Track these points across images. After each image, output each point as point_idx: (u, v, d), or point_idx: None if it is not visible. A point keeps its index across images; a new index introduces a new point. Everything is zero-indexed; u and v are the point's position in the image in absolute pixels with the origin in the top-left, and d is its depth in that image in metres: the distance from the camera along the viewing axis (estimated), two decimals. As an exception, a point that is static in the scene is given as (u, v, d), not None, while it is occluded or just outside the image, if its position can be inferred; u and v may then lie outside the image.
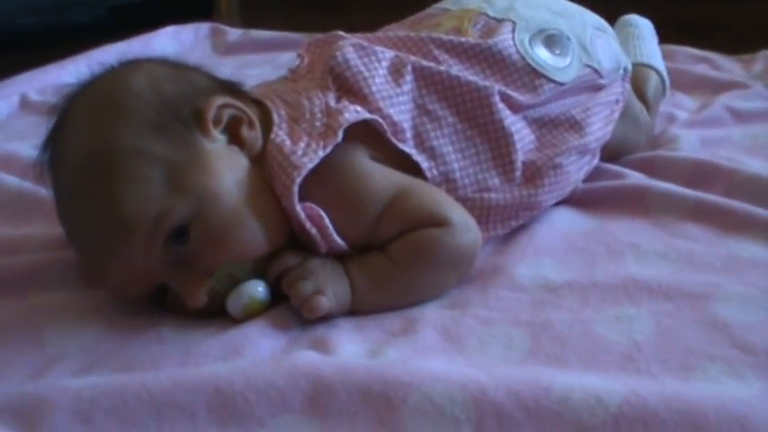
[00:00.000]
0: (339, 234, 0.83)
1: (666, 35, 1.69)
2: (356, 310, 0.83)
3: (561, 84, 0.99)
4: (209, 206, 0.79)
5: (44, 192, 0.90)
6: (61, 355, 0.78)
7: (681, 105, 1.38)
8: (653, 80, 1.26)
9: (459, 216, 0.86)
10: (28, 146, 1.22)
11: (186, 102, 0.84)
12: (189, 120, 0.83)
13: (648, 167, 1.10)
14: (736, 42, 1.80)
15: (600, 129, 1.02)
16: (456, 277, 0.86)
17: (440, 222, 0.84)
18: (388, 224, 0.84)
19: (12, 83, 1.66)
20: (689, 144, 1.18)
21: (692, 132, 1.23)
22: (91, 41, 1.83)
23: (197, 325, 0.81)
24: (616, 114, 1.05)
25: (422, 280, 0.85)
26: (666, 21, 2.13)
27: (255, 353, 0.75)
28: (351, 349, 0.76)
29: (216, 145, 0.83)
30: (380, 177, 0.86)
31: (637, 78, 1.22)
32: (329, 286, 0.81)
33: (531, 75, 0.98)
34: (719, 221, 0.95)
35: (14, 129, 1.45)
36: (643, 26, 1.36)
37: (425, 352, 0.76)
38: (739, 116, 1.30)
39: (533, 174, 0.95)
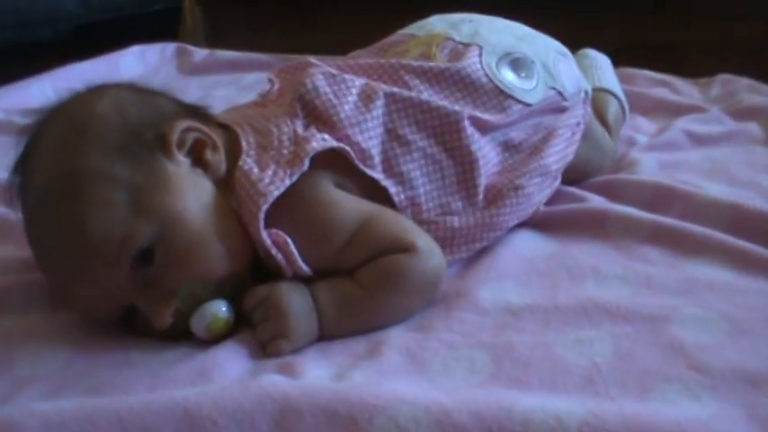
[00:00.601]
0: (305, 260, 0.84)
1: (625, 57, 1.73)
2: (324, 336, 0.84)
3: (528, 105, 1.01)
4: (172, 227, 0.81)
5: (13, 215, 0.90)
6: (30, 379, 0.78)
7: (640, 128, 1.40)
8: (613, 105, 1.29)
9: (425, 242, 0.87)
10: (-5, 165, 1.22)
11: (150, 125, 0.85)
12: (153, 143, 0.84)
13: (609, 191, 1.12)
14: (692, 65, 1.83)
15: (560, 151, 1.04)
16: (422, 302, 0.88)
17: (406, 248, 0.86)
18: (354, 251, 0.86)
19: (-25, 101, 1.65)
20: (648, 168, 1.20)
21: (651, 156, 1.25)
22: (54, 59, 1.82)
23: (165, 348, 0.82)
24: (577, 136, 1.07)
25: (390, 305, 0.86)
26: (625, 43, 2.18)
27: (223, 377, 0.76)
28: (317, 373, 0.77)
29: (179, 168, 0.85)
30: (346, 206, 0.87)
31: (597, 103, 1.24)
32: (293, 325, 0.82)
33: (499, 96, 1.00)
34: (677, 244, 0.96)
35: (-21, 149, 1.44)
36: (600, 58, 1.39)
37: (390, 375, 0.77)
38: (697, 140, 1.32)
39: (495, 196, 0.96)
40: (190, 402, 0.68)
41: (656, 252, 0.96)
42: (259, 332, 0.83)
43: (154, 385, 0.75)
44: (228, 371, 0.77)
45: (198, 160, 0.87)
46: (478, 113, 0.97)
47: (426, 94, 0.97)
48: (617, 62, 1.66)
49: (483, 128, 0.97)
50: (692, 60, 1.97)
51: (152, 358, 0.80)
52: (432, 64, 1.00)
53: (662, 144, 1.30)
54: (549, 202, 1.08)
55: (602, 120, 1.23)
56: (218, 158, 0.88)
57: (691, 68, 1.74)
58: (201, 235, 0.82)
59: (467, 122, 0.95)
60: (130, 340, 0.83)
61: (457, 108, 0.96)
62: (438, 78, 0.99)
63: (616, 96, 1.30)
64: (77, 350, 0.82)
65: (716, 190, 1.10)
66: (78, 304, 0.84)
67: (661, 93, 1.59)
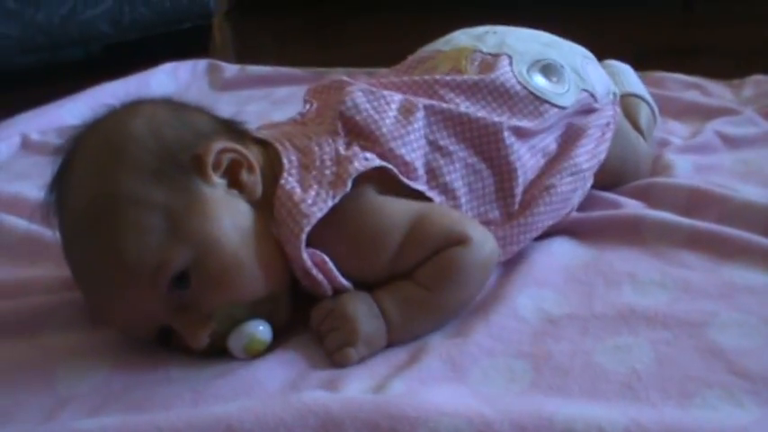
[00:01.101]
0: (354, 273, 0.85)
1: (653, 60, 1.72)
2: (393, 342, 0.85)
3: (564, 108, 1.02)
4: (208, 251, 0.81)
5: (51, 233, 0.91)
6: (72, 397, 0.79)
7: (672, 132, 1.39)
8: (644, 109, 1.28)
9: (476, 230, 0.88)
10: (31, 186, 1.24)
11: (186, 147, 0.85)
12: (188, 165, 0.84)
13: (644, 195, 1.12)
14: (723, 66, 1.82)
15: (590, 150, 1.04)
16: (478, 291, 0.89)
17: (460, 240, 0.86)
18: (409, 254, 0.86)
19: (12, 123, 1.66)
20: (683, 171, 1.19)
21: (685, 159, 1.24)
22: (86, 78, 1.84)
23: (205, 364, 0.82)
24: (608, 136, 1.07)
25: (454, 300, 0.87)
26: (653, 46, 2.16)
27: (264, 392, 0.77)
28: (357, 385, 0.77)
29: (215, 190, 0.84)
30: (392, 210, 0.88)
31: (628, 108, 1.24)
32: (360, 333, 0.82)
33: (534, 102, 1.00)
34: (715, 249, 0.96)
35: (16, 170, 1.45)
36: (622, 66, 1.38)
37: (430, 382, 0.77)
38: (730, 142, 1.31)
39: (528, 200, 0.97)
40: (232, 418, 0.69)
41: (694, 257, 0.96)
42: (327, 342, 0.83)
43: (195, 401, 0.76)
44: (269, 386, 0.78)
45: (233, 181, 0.86)
46: (516, 122, 0.97)
47: (464, 106, 0.97)
48: (645, 65, 1.66)
49: (523, 136, 0.98)
50: (721, 62, 1.95)
51: (192, 374, 0.81)
52: (465, 77, 1.00)
53: (696, 147, 1.29)
54: (584, 208, 1.07)
55: (635, 124, 1.23)
56: (253, 179, 0.87)
57: (721, 70, 1.72)
58: (237, 258, 0.82)
59: (506, 133, 0.96)
60: (170, 356, 0.84)
61: (496, 119, 0.96)
62: (473, 90, 0.99)
63: (645, 100, 1.29)
64: (118, 367, 0.83)
65: (751, 192, 1.09)
66: (114, 324, 0.85)
67: (692, 95, 1.58)
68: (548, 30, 1.16)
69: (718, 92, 1.62)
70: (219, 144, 0.86)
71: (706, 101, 1.54)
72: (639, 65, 1.46)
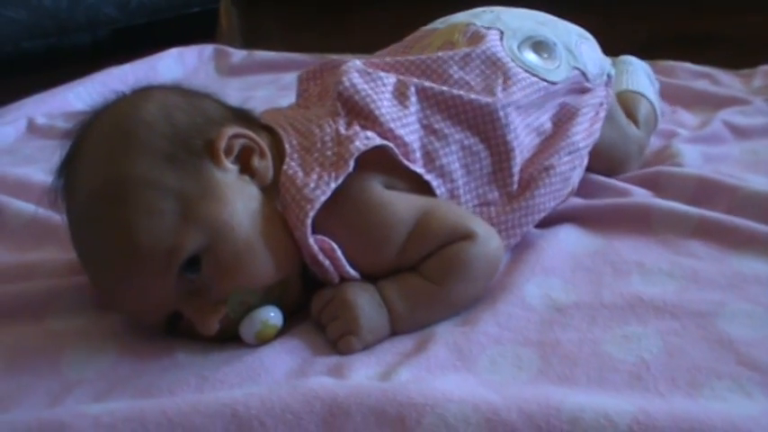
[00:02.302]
0: (359, 264, 0.85)
1: (663, 49, 1.71)
2: (397, 331, 0.85)
3: (553, 83, 1.02)
4: (221, 236, 0.80)
5: (57, 217, 0.90)
6: (79, 381, 0.79)
7: (681, 122, 1.39)
8: (643, 104, 1.28)
9: (481, 226, 0.88)
10: (38, 170, 1.25)
11: (198, 132, 0.85)
12: (201, 150, 0.84)
13: (653, 183, 1.12)
14: (734, 55, 1.81)
15: (586, 129, 1.04)
16: (486, 285, 0.89)
17: (465, 235, 0.86)
18: (414, 248, 0.86)
19: (18, 107, 1.67)
20: (692, 160, 1.19)
21: (694, 148, 1.24)
22: (93, 63, 1.84)
23: (212, 350, 0.82)
24: (601, 115, 1.07)
25: (459, 293, 0.87)
26: (664, 34, 2.15)
27: (270, 378, 0.77)
28: (364, 372, 0.77)
29: (227, 175, 0.84)
30: (399, 206, 0.87)
31: (626, 101, 1.25)
32: (361, 321, 0.82)
33: (523, 74, 1.00)
34: (723, 239, 0.95)
35: (23, 153, 1.46)
36: (637, 65, 1.38)
37: (437, 370, 0.77)
38: (740, 132, 1.31)
39: (527, 181, 0.97)
40: (238, 403, 0.68)
41: (702, 246, 0.95)
42: (329, 331, 0.83)
43: (201, 386, 0.76)
44: (275, 372, 0.78)
45: (245, 167, 0.86)
46: (508, 96, 0.97)
47: (457, 76, 0.97)
48: (655, 54, 1.66)
49: (517, 110, 0.98)
50: (732, 52, 1.95)
51: (199, 359, 0.81)
52: (456, 50, 1.01)
53: (705, 137, 1.29)
54: (591, 196, 1.07)
55: (630, 112, 1.23)
56: (265, 165, 0.87)
57: (731, 60, 1.71)
58: (249, 244, 0.82)
59: (501, 113, 0.95)
60: (177, 341, 0.84)
61: (489, 100, 0.95)
62: (465, 60, 1.00)
63: (647, 99, 1.29)
64: (125, 352, 0.83)
65: (760, 182, 1.08)
66: (123, 309, 0.85)
67: (702, 85, 1.58)
68: (562, 14, 1.16)
69: (727, 81, 1.62)
70: (232, 130, 0.86)
71: (716, 90, 1.54)
72: (649, 53, 1.46)
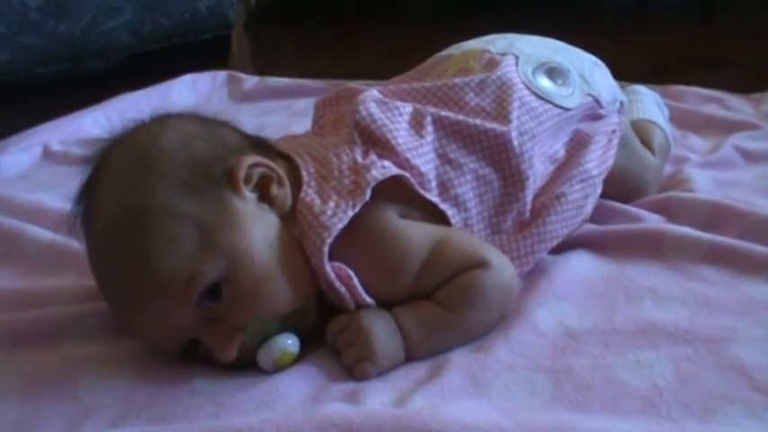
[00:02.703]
0: (375, 292, 0.85)
1: (673, 73, 1.72)
2: (412, 358, 0.85)
3: (567, 109, 1.02)
4: (240, 265, 0.81)
5: (74, 243, 0.91)
6: (95, 407, 0.80)
7: (692, 147, 1.39)
8: (657, 132, 1.28)
9: (495, 255, 0.89)
10: (54, 196, 1.26)
11: (217, 160, 0.85)
12: (220, 179, 0.84)
13: (665, 209, 1.11)
14: (743, 80, 1.81)
15: (599, 156, 1.04)
16: (499, 313, 0.89)
17: (480, 263, 0.87)
18: (429, 276, 0.87)
19: (33, 133, 1.68)
20: (703, 185, 1.19)
21: (705, 173, 1.24)
22: (107, 89, 1.86)
23: (228, 376, 0.82)
24: (614, 142, 1.07)
25: (473, 321, 0.87)
26: (674, 58, 2.16)
27: (286, 404, 0.77)
28: (379, 398, 0.78)
29: (246, 203, 0.85)
30: (414, 235, 0.88)
31: (641, 129, 1.25)
32: (376, 347, 0.83)
33: (537, 101, 1.01)
34: (735, 264, 0.95)
35: (38, 179, 1.47)
36: (646, 94, 1.38)
37: (451, 397, 0.77)
38: (750, 157, 1.31)
39: (539, 209, 0.97)
40: (254, 430, 0.69)
41: (714, 272, 0.95)
42: (344, 357, 0.84)
43: (217, 413, 0.76)
44: (291, 398, 0.78)
45: (264, 195, 0.87)
46: (521, 124, 0.97)
47: (473, 103, 0.98)
48: (664, 78, 1.66)
49: (531, 139, 0.98)
50: (741, 76, 1.95)
51: (215, 386, 0.81)
52: (471, 77, 1.01)
53: (715, 162, 1.29)
54: (604, 221, 1.08)
55: (646, 141, 1.23)
56: (283, 193, 0.88)
57: (740, 84, 1.72)
58: (268, 272, 0.82)
59: (515, 142, 0.96)
60: (194, 367, 0.84)
61: (504, 129, 0.96)
62: (481, 87, 1.00)
63: (660, 128, 1.30)
64: (141, 378, 0.84)
65: (771, 207, 1.08)
66: (141, 336, 0.85)
67: (712, 109, 1.58)
68: (572, 39, 1.17)
69: (737, 106, 1.61)
70: (251, 158, 0.87)
71: (726, 115, 1.54)
72: (658, 78, 1.46)
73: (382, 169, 0.88)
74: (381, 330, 0.84)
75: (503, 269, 0.88)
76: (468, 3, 3.23)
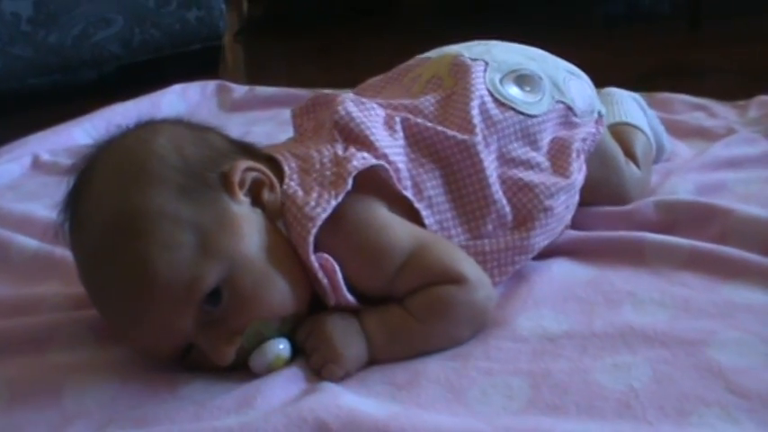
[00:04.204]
0: (354, 286, 0.85)
1: (660, 80, 1.72)
2: (375, 360, 0.85)
3: (532, 116, 1.03)
4: (241, 268, 0.81)
5: (60, 251, 0.91)
6: (79, 413, 0.80)
7: (676, 153, 1.40)
8: (640, 137, 1.27)
9: (474, 273, 0.88)
10: (41, 206, 1.26)
11: (210, 165, 0.86)
12: (216, 183, 0.85)
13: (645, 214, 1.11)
14: (729, 87, 1.82)
15: (580, 167, 1.05)
16: (471, 330, 0.88)
17: (456, 279, 0.87)
18: (405, 278, 0.87)
19: (23, 143, 1.69)
20: (685, 191, 1.19)
21: (686, 179, 1.24)
22: (97, 99, 1.86)
23: (212, 379, 0.83)
24: (585, 148, 1.07)
25: (439, 334, 0.87)
26: (661, 66, 2.17)
27: (267, 404, 0.77)
28: (356, 399, 0.77)
29: (242, 207, 0.85)
30: (400, 231, 0.88)
31: (622, 135, 1.24)
32: (339, 350, 0.83)
33: (499, 108, 1.02)
34: (715, 269, 0.96)
35: (27, 189, 1.47)
36: (621, 94, 1.38)
37: (429, 406, 0.77)
38: (732, 164, 1.31)
39: (524, 218, 0.97)
40: (233, 433, 0.70)
41: (694, 277, 0.96)
42: (312, 362, 0.84)
43: (198, 414, 0.77)
44: (271, 398, 0.78)
45: (256, 199, 0.87)
46: (481, 133, 0.98)
47: (441, 117, 0.99)
48: (651, 85, 1.67)
49: (489, 146, 0.99)
50: (727, 82, 1.96)
51: (199, 388, 0.82)
52: (437, 93, 1.03)
53: (697, 167, 1.29)
54: (584, 227, 1.08)
55: (628, 150, 1.22)
56: (274, 197, 0.88)
57: (727, 91, 1.73)
58: (268, 275, 0.83)
59: (476, 148, 0.96)
60: (179, 372, 0.84)
61: (466, 137, 0.96)
62: (447, 101, 1.01)
63: (642, 131, 1.29)
64: (124, 383, 0.84)
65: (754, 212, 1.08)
66: (138, 342, 0.84)
67: (698, 117, 1.59)
68: (558, 46, 1.18)
69: (723, 113, 1.62)
70: (245, 163, 0.87)
71: (711, 123, 1.55)
72: (646, 84, 1.47)
73: (363, 160, 0.89)
74: (344, 333, 0.84)
75: (477, 288, 0.88)
76: (457, 13, 3.25)
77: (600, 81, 1.19)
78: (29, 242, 1.16)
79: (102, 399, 0.82)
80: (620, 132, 1.25)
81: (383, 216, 0.89)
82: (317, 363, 0.84)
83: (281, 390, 0.80)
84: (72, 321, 0.94)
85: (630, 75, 1.42)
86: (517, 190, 0.98)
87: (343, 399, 0.77)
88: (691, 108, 1.66)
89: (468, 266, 0.89)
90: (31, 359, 0.90)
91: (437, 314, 0.86)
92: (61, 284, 1.02)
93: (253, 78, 2.28)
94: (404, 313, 0.86)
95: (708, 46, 2.35)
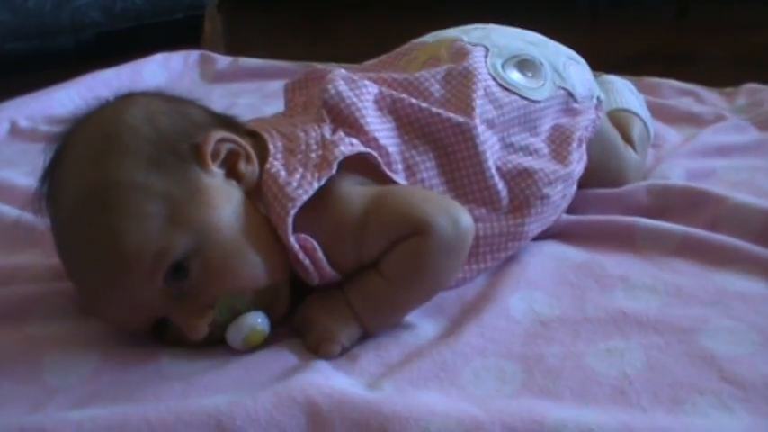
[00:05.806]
0: (337, 262, 0.84)
1: (648, 66, 1.72)
2: (369, 333, 0.85)
3: (535, 101, 1.02)
4: (209, 240, 0.80)
5: (41, 222, 0.90)
6: (60, 387, 0.79)
7: (666, 139, 1.40)
8: (637, 123, 1.28)
9: (437, 213, 0.84)
10: (20, 173, 1.24)
11: (184, 136, 0.85)
12: (187, 154, 0.84)
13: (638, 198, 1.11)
14: (718, 73, 1.82)
15: (580, 156, 1.04)
16: (455, 268, 0.87)
17: (419, 228, 0.83)
18: (370, 241, 0.84)
19: (0, 109, 1.67)
20: (676, 177, 1.19)
21: (677, 165, 1.24)
22: (77, 66, 1.84)
23: (197, 356, 0.82)
24: (586, 136, 1.06)
25: (419, 290, 0.86)
26: (650, 51, 2.18)
27: (256, 384, 0.76)
28: (348, 381, 0.77)
29: (214, 179, 0.84)
30: (355, 195, 0.86)
31: (619, 121, 1.24)
32: (330, 329, 0.83)
33: (503, 92, 1.00)
34: (706, 256, 0.96)
35: (4, 156, 1.45)
36: (618, 82, 1.38)
37: (421, 384, 0.77)
38: (722, 151, 1.31)
39: (521, 203, 0.96)
40: (222, 414, 0.68)
41: (686, 263, 0.96)
42: (307, 344, 0.83)
43: (185, 392, 0.75)
44: (260, 378, 0.77)
45: (231, 171, 0.86)
46: (484, 114, 0.97)
47: (439, 94, 0.97)
48: (640, 71, 1.67)
49: (492, 128, 0.98)
50: (715, 69, 1.96)
51: (184, 365, 0.80)
52: (437, 69, 1.01)
53: (687, 154, 1.29)
54: (577, 210, 1.08)
55: (626, 136, 1.23)
56: (251, 169, 0.87)
57: (715, 78, 1.73)
58: (238, 246, 0.82)
59: (476, 131, 0.95)
60: (161, 348, 0.83)
61: (464, 119, 0.95)
62: (447, 79, 1.00)
63: (639, 117, 1.30)
64: (107, 358, 0.83)
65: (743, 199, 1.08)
66: (109, 316, 0.84)
67: (687, 103, 1.59)
68: (547, 30, 1.16)
69: (711, 99, 1.62)
70: (218, 134, 0.86)
71: (700, 109, 1.55)
72: (635, 69, 1.46)
73: (350, 146, 0.88)
74: (332, 310, 0.84)
75: (446, 228, 0.83)
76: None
77: (588, 66, 1.18)
78: (8, 211, 1.14)
79: (85, 373, 0.81)
80: (618, 118, 1.25)
81: (345, 188, 0.87)
82: (312, 344, 0.83)
83: (269, 368, 0.79)
84: (52, 293, 0.92)
85: (618, 61, 1.42)
86: (516, 174, 0.97)
87: (334, 379, 0.76)
88: (679, 93, 1.66)
89: (430, 207, 0.84)
90: (10, 332, 0.88)
91: (411, 273, 0.84)
92: (41, 255, 1.01)
93: (233, 50, 2.25)
94: (380, 280, 0.85)
95: (695, 33, 2.35)
